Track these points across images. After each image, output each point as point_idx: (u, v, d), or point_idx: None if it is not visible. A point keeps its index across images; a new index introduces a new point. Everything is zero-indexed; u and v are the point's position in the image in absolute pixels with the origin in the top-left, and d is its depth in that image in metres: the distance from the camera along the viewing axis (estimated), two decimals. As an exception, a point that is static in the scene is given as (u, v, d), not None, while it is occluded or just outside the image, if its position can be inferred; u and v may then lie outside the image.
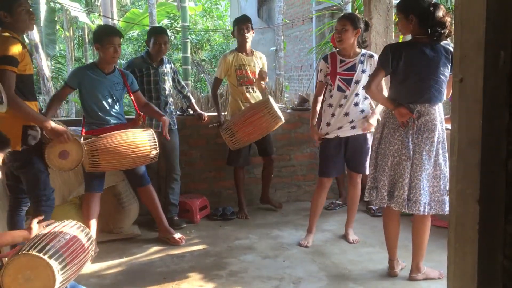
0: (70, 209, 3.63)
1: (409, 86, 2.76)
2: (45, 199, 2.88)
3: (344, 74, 3.39)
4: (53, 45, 11.46)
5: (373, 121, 3.40)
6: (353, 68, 3.37)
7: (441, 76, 2.70)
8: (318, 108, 3.55)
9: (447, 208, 2.72)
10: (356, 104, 3.38)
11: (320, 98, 3.57)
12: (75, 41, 14.52)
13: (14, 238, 2.35)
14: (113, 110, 3.40)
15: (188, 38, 9.88)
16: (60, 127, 2.90)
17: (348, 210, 3.68)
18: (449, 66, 2.70)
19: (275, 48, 10.25)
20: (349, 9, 7.39)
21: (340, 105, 3.40)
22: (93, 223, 3.34)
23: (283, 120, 3.99)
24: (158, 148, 3.33)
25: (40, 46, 9.30)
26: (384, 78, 2.90)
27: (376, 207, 4.24)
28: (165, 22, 12.98)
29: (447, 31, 2.67)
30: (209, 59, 13.58)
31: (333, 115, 3.42)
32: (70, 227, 2.45)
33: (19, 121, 2.71)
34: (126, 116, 3.62)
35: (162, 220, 3.69)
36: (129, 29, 11.45)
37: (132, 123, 3.46)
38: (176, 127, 4.09)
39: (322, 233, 3.75)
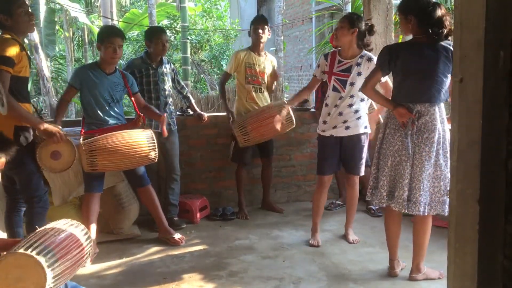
0: (70, 210, 3.63)
1: (408, 86, 2.77)
2: (37, 200, 2.88)
3: (340, 75, 3.39)
4: (52, 46, 11.45)
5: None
6: (349, 70, 3.36)
7: (441, 75, 2.69)
8: (302, 96, 3.74)
9: (447, 209, 2.71)
10: (351, 106, 3.38)
11: (309, 92, 3.67)
12: (75, 42, 14.51)
13: (6, 245, 2.33)
14: (113, 110, 3.40)
15: (188, 39, 9.88)
16: (52, 127, 2.90)
17: (347, 211, 3.69)
18: (450, 66, 2.68)
19: (274, 48, 10.24)
20: (348, 9, 7.40)
21: (335, 106, 3.41)
22: (93, 223, 3.34)
23: (295, 125, 4.03)
24: (157, 149, 3.33)
25: (39, 46, 9.29)
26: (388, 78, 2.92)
27: (376, 207, 4.25)
28: (165, 22, 12.96)
29: (445, 31, 2.67)
30: (209, 59, 13.56)
31: (329, 114, 3.45)
32: (62, 224, 2.41)
33: (10, 121, 2.72)
34: (125, 117, 3.63)
35: (162, 221, 3.69)
36: (128, 30, 11.44)
37: (131, 124, 3.46)
38: (176, 127, 4.09)
39: (322, 233, 3.75)
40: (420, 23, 2.70)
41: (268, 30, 4.22)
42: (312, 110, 4.73)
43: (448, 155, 2.69)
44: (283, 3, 11.04)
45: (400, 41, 4.76)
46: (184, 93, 4.27)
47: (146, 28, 4.68)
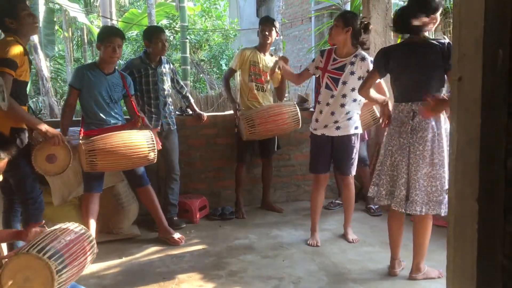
0: (69, 210, 3.63)
1: (403, 86, 2.79)
2: (33, 202, 2.88)
3: (333, 73, 3.39)
4: (52, 46, 11.46)
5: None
6: (342, 68, 3.36)
7: (433, 74, 2.68)
8: (291, 76, 3.73)
9: (444, 209, 2.71)
10: (343, 105, 3.37)
11: (296, 80, 3.70)
12: (74, 42, 14.50)
13: (7, 235, 2.35)
14: (112, 110, 3.40)
15: (187, 38, 9.88)
16: (52, 129, 2.91)
17: (345, 210, 3.69)
18: (444, 65, 2.66)
19: (274, 48, 10.24)
20: (347, 8, 7.39)
21: (327, 104, 3.41)
22: (93, 223, 3.34)
23: (300, 126, 4.07)
24: (156, 150, 3.33)
25: (39, 46, 9.30)
26: (384, 78, 2.93)
27: (376, 206, 4.25)
28: (164, 22, 12.97)
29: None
30: (208, 59, 13.56)
31: (321, 112, 3.46)
32: (71, 229, 2.45)
33: (7, 122, 2.72)
34: (125, 117, 3.63)
35: (161, 220, 3.69)
36: (128, 30, 11.45)
37: (131, 124, 3.46)
38: (175, 127, 4.09)
39: (322, 232, 3.75)
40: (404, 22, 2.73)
41: (276, 32, 4.24)
42: (312, 109, 4.73)
43: (445, 154, 2.69)
44: (282, 3, 11.04)
45: (398, 41, 4.76)
46: (184, 93, 4.27)
47: (145, 27, 4.69)
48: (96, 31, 11.08)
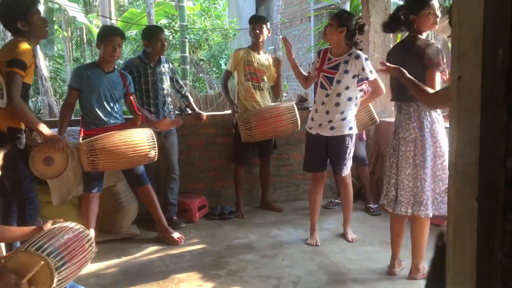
0: (69, 209, 3.62)
1: (394, 85, 2.84)
2: (29, 202, 2.89)
3: (328, 72, 3.39)
4: (51, 45, 11.45)
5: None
6: (336, 67, 3.36)
7: (419, 74, 2.62)
8: (300, 74, 3.67)
9: (425, 210, 2.73)
10: (337, 104, 3.37)
11: (303, 80, 3.66)
12: (73, 41, 14.50)
13: (23, 233, 2.36)
14: (112, 109, 3.40)
15: (187, 38, 9.87)
16: (57, 135, 2.95)
17: (343, 210, 3.70)
18: (420, 65, 2.65)
19: (273, 47, 10.25)
20: (347, 8, 7.39)
21: (323, 103, 3.42)
22: (92, 223, 3.34)
23: (299, 128, 4.03)
24: (156, 148, 3.33)
25: (38, 46, 9.28)
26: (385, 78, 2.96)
27: (375, 206, 4.26)
28: (163, 21, 12.96)
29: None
30: (208, 58, 13.56)
31: (316, 111, 3.47)
32: (69, 228, 2.44)
33: (4, 122, 2.73)
34: (124, 116, 3.63)
35: (161, 220, 3.69)
36: (127, 29, 11.44)
37: (130, 123, 3.47)
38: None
39: (321, 232, 3.76)
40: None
41: (267, 28, 4.22)
42: (311, 109, 4.73)
43: (426, 155, 2.69)
44: (282, 2, 11.04)
45: (398, 40, 4.76)
46: (183, 92, 4.27)
47: (144, 27, 4.69)
48: (95, 30, 11.08)
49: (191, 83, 12.10)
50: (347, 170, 3.52)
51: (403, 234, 2.98)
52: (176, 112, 4.45)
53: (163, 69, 3.97)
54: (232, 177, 4.38)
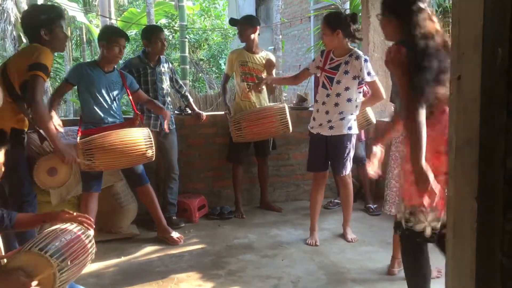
0: (68, 209, 3.60)
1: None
2: (28, 204, 2.89)
3: (329, 72, 3.40)
4: (51, 45, 11.40)
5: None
6: (337, 68, 3.37)
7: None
8: (286, 80, 3.96)
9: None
10: (337, 105, 3.37)
11: (293, 82, 3.80)
12: (73, 41, 14.48)
13: (35, 219, 2.37)
14: (111, 108, 3.41)
15: (186, 38, 9.86)
16: (70, 151, 2.96)
17: (343, 210, 3.71)
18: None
19: (273, 47, 10.25)
20: (347, 7, 7.39)
21: (323, 103, 3.43)
22: (91, 223, 3.33)
23: (291, 130, 4.02)
24: (154, 147, 3.33)
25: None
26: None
27: (375, 206, 4.26)
28: (163, 21, 12.95)
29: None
30: (207, 58, 13.56)
31: (318, 111, 3.48)
32: (70, 229, 2.45)
33: (8, 123, 2.73)
34: (124, 116, 3.63)
35: (160, 220, 3.69)
36: (127, 29, 11.42)
37: (129, 123, 3.47)
38: (175, 126, 4.09)
39: (321, 232, 3.75)
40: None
41: (252, 26, 4.14)
42: (311, 109, 4.72)
43: None
44: (281, 2, 11.04)
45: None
46: (183, 92, 4.27)
47: (144, 27, 4.70)
48: (95, 30, 11.07)
49: (190, 83, 12.09)
50: (346, 170, 3.52)
51: None
52: (175, 112, 4.45)
53: (162, 69, 3.97)
54: (231, 177, 4.38)
